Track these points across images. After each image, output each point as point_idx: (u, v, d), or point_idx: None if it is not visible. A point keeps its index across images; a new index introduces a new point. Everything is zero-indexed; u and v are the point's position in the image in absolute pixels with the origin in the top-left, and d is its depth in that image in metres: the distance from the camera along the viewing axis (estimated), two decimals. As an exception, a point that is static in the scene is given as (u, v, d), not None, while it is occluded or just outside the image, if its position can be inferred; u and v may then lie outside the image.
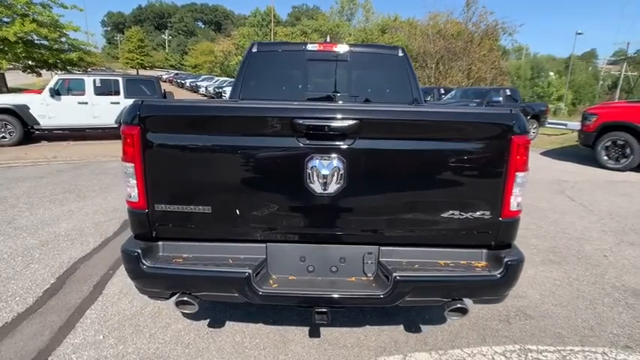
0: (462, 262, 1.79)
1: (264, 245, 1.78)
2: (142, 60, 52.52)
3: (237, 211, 1.69)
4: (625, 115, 7.57)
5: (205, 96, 29.74)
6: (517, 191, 1.70)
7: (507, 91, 12.31)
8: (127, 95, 9.22)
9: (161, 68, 64.36)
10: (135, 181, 1.69)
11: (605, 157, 7.69)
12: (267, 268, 1.78)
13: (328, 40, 3.47)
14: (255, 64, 3.34)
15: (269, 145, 1.64)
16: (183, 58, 72.96)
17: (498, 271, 1.70)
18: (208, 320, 2.45)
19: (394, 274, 1.66)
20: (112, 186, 5.51)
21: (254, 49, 3.35)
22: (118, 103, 9.18)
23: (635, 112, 7.43)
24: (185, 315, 2.49)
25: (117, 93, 9.26)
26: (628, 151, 7.38)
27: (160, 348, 2.19)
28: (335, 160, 1.61)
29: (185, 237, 1.79)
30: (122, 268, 3.07)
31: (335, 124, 1.57)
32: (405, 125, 1.63)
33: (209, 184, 1.70)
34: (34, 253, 3.34)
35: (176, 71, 55.40)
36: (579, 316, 2.57)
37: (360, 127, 1.57)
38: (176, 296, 1.76)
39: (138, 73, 41.37)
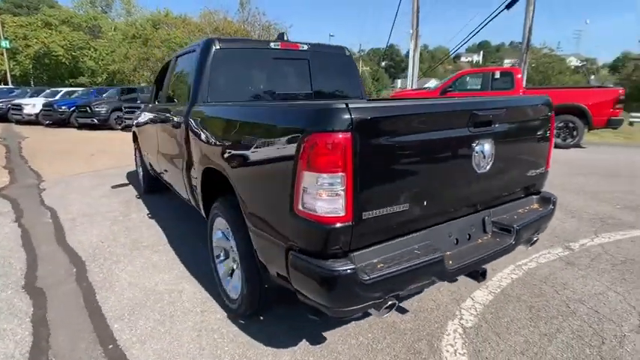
0: (527, 207, 2.43)
1: (427, 230, 1.91)
2: None
3: (425, 202, 1.77)
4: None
5: None
6: None
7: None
8: None
9: None
10: (343, 193, 1.51)
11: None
12: None
13: (286, 38, 3.43)
14: (219, 62, 2.99)
15: (453, 136, 1.80)
16: None
17: (551, 207, 2.44)
18: (303, 340, 2.26)
19: (514, 226, 2.13)
20: None
21: (216, 46, 2.98)
22: None
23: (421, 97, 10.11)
24: (271, 345, 2.21)
25: None
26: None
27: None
28: (489, 143, 1.93)
29: (377, 241, 1.70)
30: (121, 343, 2.33)
31: (495, 113, 1.89)
32: (518, 110, 2.12)
33: (409, 182, 1.70)
34: None
35: None
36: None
37: (504, 114, 1.95)
38: (386, 304, 1.69)
39: None
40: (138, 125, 5.07)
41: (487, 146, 1.93)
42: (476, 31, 17.07)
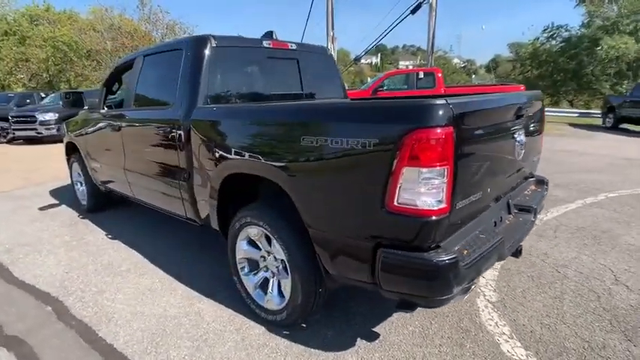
0: (529, 189, 2.75)
1: (479, 216, 2.05)
2: None
3: (489, 189, 1.91)
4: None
5: None
6: None
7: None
8: None
9: None
10: (445, 186, 1.57)
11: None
12: None
13: (274, 37, 3.31)
14: (217, 61, 2.79)
15: (509, 127, 1.97)
16: None
17: (546, 187, 2.80)
18: (358, 339, 2.26)
19: (532, 205, 2.42)
20: None
21: (212, 44, 2.78)
22: None
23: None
24: (330, 349, 2.17)
25: None
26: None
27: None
28: (522, 133, 2.15)
29: (455, 229, 1.78)
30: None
31: (526, 106, 2.13)
32: (532, 104, 2.39)
33: (484, 171, 1.81)
34: None
35: None
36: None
37: (528, 107, 2.20)
38: (470, 287, 1.79)
39: None
40: (80, 135, 4.42)
41: (522, 136, 2.17)
42: (385, 34, 18.33)
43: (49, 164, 8.60)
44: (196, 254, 3.50)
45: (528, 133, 2.36)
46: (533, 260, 3.17)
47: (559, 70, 22.22)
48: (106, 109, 4.01)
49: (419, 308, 2.46)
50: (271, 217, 2.19)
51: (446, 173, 1.57)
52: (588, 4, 21.37)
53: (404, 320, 2.42)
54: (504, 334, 2.25)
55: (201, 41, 2.77)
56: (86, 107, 4.13)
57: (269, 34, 3.29)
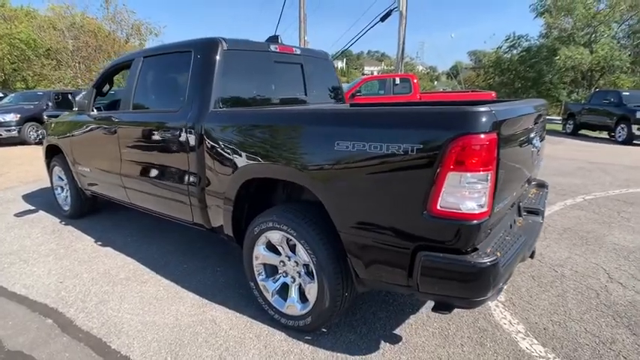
0: (532, 191, 2.88)
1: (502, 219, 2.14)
2: None
3: (514, 192, 1.99)
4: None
5: None
6: None
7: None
8: None
9: None
10: (487, 190, 1.62)
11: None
12: None
13: (280, 41, 3.29)
14: (228, 64, 2.74)
15: (532, 133, 2.08)
16: None
17: (546, 190, 2.95)
18: (382, 342, 2.28)
19: (539, 207, 2.55)
20: None
21: (224, 47, 2.73)
22: None
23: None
24: (356, 353, 2.18)
25: None
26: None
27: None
28: (537, 139, 2.26)
29: (488, 233, 1.85)
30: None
31: (543, 113, 2.24)
32: (542, 112, 2.52)
33: (514, 175, 1.90)
34: None
35: None
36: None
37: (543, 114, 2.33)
38: (500, 290, 1.85)
39: None
40: (65, 137, 4.18)
41: (538, 141, 2.29)
42: (354, 40, 18.63)
43: (14, 168, 8.10)
44: (194, 260, 3.40)
45: (540, 139, 2.49)
46: (530, 260, 3.32)
47: (520, 78, 23.44)
48: (95, 111, 3.84)
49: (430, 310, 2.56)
50: (296, 221, 2.18)
51: (489, 178, 1.63)
52: (547, 16, 22.67)
53: (422, 322, 2.47)
54: (520, 332, 2.35)
55: (212, 44, 2.72)
56: (75, 108, 3.92)
57: (274, 39, 3.27)
